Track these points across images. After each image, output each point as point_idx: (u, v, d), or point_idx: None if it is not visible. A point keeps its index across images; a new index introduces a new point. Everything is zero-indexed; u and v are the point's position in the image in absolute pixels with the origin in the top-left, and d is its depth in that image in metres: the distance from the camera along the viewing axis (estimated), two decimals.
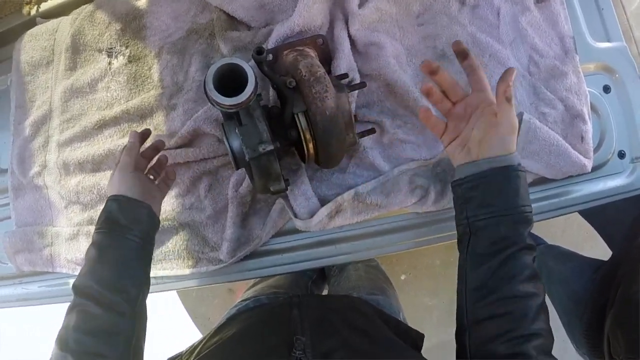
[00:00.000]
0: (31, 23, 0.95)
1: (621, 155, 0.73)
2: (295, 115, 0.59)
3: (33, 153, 0.88)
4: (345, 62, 0.70)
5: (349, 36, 0.72)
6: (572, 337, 0.98)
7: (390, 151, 0.72)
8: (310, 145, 0.61)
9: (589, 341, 0.90)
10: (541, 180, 0.72)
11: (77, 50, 0.86)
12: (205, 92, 0.55)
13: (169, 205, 0.77)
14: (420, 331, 0.71)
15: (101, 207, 0.80)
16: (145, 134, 0.72)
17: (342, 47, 0.70)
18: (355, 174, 0.72)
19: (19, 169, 0.88)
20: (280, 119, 0.63)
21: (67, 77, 0.87)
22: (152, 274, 0.77)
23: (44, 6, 0.95)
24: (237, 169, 0.63)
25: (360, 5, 0.73)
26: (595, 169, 0.72)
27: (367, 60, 0.71)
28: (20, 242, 0.86)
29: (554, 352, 0.51)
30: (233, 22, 0.77)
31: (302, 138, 0.60)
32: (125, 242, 0.62)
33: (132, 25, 0.83)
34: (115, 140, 0.81)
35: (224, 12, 0.77)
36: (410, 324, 0.74)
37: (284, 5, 0.75)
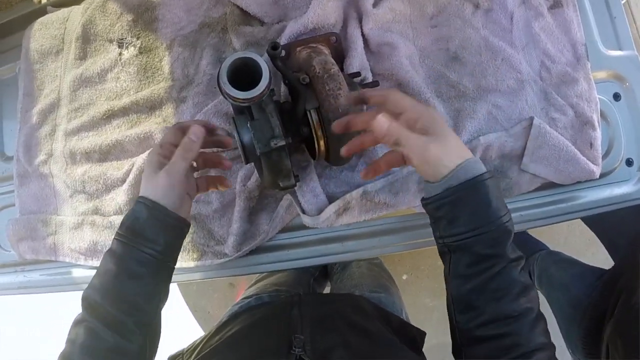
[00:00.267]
0: (42, 11, 0.95)
1: (629, 163, 0.73)
2: (308, 112, 0.59)
3: (39, 141, 0.87)
4: (357, 60, 0.70)
5: (362, 35, 0.72)
6: (568, 342, 0.98)
7: None
8: (322, 142, 0.61)
9: (585, 347, 0.91)
10: (549, 185, 0.72)
11: (87, 39, 0.86)
12: (219, 85, 0.55)
13: None
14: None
15: (107, 197, 0.81)
16: (211, 130, 0.63)
17: (355, 46, 0.70)
18: None
19: (25, 157, 0.88)
20: (292, 115, 0.63)
21: (76, 66, 0.86)
22: None
23: None
24: (247, 163, 0.63)
25: (375, 5, 0.73)
26: (602, 175, 0.72)
27: (379, 60, 0.72)
28: (24, 229, 0.86)
29: None
30: (246, 17, 0.77)
31: (314, 134, 0.60)
32: (146, 258, 0.56)
33: (144, 17, 0.83)
34: (124, 130, 0.80)
35: (238, 6, 0.77)
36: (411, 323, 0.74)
37: (298, 2, 0.75)
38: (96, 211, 0.82)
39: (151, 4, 0.83)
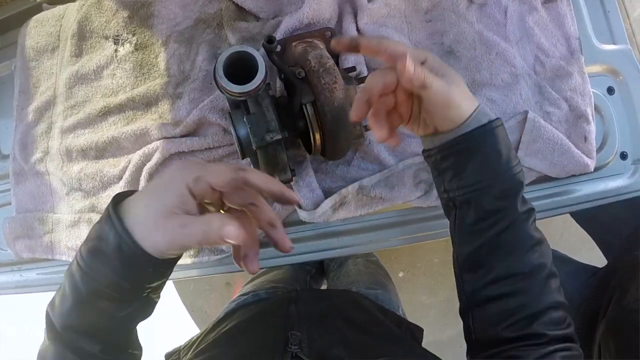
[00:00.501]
0: (37, 8, 0.94)
1: (623, 156, 0.74)
2: (304, 106, 0.59)
3: (36, 139, 0.87)
4: (352, 56, 0.70)
5: (357, 30, 0.72)
6: None
7: None
8: (317, 136, 0.61)
9: (579, 345, 0.91)
10: (543, 179, 0.72)
11: (83, 36, 0.86)
12: (215, 79, 0.55)
13: None
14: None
15: (103, 194, 0.81)
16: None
17: None
18: (360, 167, 0.72)
19: (21, 155, 0.88)
20: (288, 109, 0.63)
21: (72, 63, 0.86)
22: None
23: None
24: (243, 158, 0.63)
25: (370, 0, 0.73)
26: (597, 169, 0.73)
27: None
28: (20, 228, 0.86)
29: None
30: (242, 12, 0.77)
31: (310, 128, 0.60)
32: (109, 295, 0.42)
33: (140, 13, 0.83)
34: (120, 127, 0.80)
35: (233, 2, 0.77)
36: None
37: None
38: (93, 209, 0.82)
39: (147, 0, 0.83)
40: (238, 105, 0.60)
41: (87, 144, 0.81)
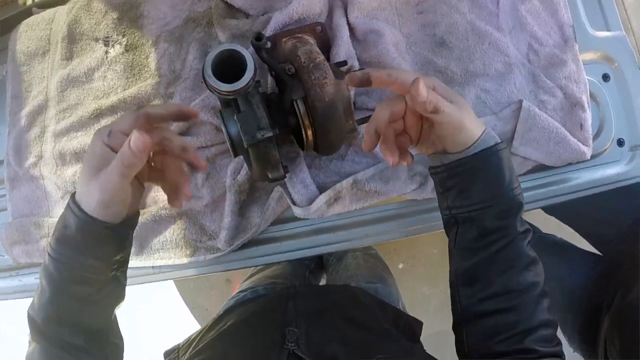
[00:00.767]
0: (27, 13, 0.94)
1: (620, 143, 0.73)
2: (294, 102, 0.59)
3: (29, 143, 0.87)
4: (344, 49, 0.69)
5: (348, 24, 0.72)
6: (564, 331, 0.98)
7: None
8: (309, 132, 0.61)
9: (582, 338, 0.90)
10: (540, 168, 0.72)
11: (73, 39, 0.86)
12: (204, 79, 0.55)
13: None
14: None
15: None
16: (185, 115, 0.54)
17: (341, 35, 0.70)
18: (354, 161, 0.71)
19: (14, 160, 0.87)
20: (279, 105, 0.62)
21: (63, 66, 0.86)
22: (149, 264, 0.77)
23: None
24: (235, 156, 0.62)
25: None
26: (594, 156, 0.72)
27: (366, 48, 0.71)
28: (17, 233, 0.85)
29: None
30: (231, 10, 0.77)
31: (301, 125, 0.60)
32: (83, 277, 0.48)
33: (129, 14, 0.82)
34: None
35: (222, 0, 0.76)
36: (408, 313, 0.74)
37: None
38: None
39: (136, 1, 0.82)
40: (229, 104, 0.60)
41: (80, 147, 0.80)
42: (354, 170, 0.70)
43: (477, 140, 0.49)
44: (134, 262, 0.78)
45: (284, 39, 0.67)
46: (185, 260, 0.75)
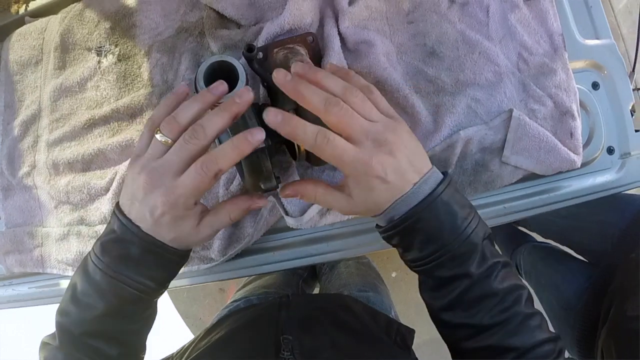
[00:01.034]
0: (19, 22, 0.94)
1: (610, 151, 0.74)
2: None
3: (22, 153, 0.87)
4: (335, 59, 0.70)
5: (339, 34, 0.72)
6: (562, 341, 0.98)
7: None
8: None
9: (580, 350, 0.91)
10: (531, 176, 0.72)
11: (66, 49, 0.86)
12: (196, 90, 0.55)
13: None
14: (412, 327, 0.71)
15: (91, 206, 0.81)
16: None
17: (332, 45, 0.70)
18: None
19: (8, 170, 0.87)
20: None
21: (56, 76, 0.86)
22: None
23: (32, 5, 0.94)
24: None
25: (350, 3, 0.73)
26: (584, 164, 0.73)
27: (357, 58, 0.71)
28: (10, 243, 0.85)
29: None
30: (223, 20, 0.77)
31: None
32: (137, 296, 0.49)
33: (122, 24, 0.83)
34: (105, 139, 0.80)
35: (214, 10, 0.76)
36: (401, 321, 0.75)
37: (274, 3, 0.75)
38: (81, 221, 0.82)
39: (128, 10, 0.83)
40: None
41: (73, 157, 0.80)
42: None
43: (384, 212, 0.46)
44: None
45: (275, 50, 0.67)
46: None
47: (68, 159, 0.81)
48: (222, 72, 0.57)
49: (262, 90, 0.71)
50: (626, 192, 0.72)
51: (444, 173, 0.49)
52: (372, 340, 0.61)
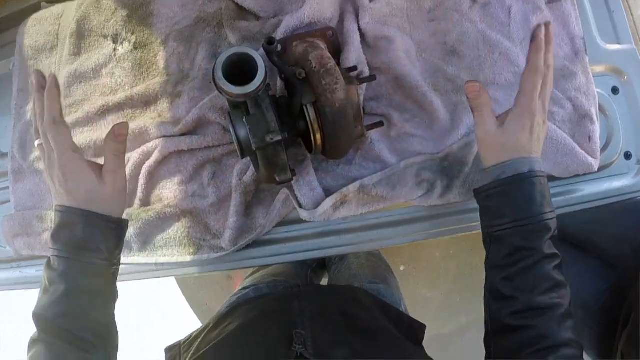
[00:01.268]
0: (36, 7, 0.93)
1: (627, 156, 0.73)
2: (304, 107, 0.59)
3: (34, 137, 0.87)
4: (354, 55, 0.69)
5: (359, 29, 0.72)
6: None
7: (398, 144, 0.71)
8: (318, 137, 0.60)
9: (599, 351, 0.90)
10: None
11: (82, 35, 0.85)
12: (214, 81, 0.55)
13: (171, 192, 0.76)
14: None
15: None
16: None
17: (352, 40, 0.70)
18: (361, 166, 0.71)
19: (19, 153, 0.87)
20: (288, 109, 0.62)
21: (71, 62, 0.85)
22: (153, 260, 0.77)
23: None
24: (243, 157, 0.62)
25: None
26: (601, 169, 0.72)
27: (376, 54, 0.71)
28: (19, 225, 0.85)
29: None
30: (242, 11, 0.77)
31: (310, 129, 0.60)
32: (92, 270, 0.55)
33: (139, 12, 0.82)
34: None
35: (233, 1, 0.76)
36: (410, 314, 0.74)
37: None
38: None
39: None
40: (237, 106, 0.60)
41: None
42: (361, 175, 0.70)
43: (526, 157, 0.55)
44: (136, 258, 0.78)
45: (294, 43, 0.67)
46: (188, 258, 0.75)
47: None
48: (240, 64, 0.56)
49: (279, 82, 0.71)
50: None
51: None
52: (383, 336, 0.61)
